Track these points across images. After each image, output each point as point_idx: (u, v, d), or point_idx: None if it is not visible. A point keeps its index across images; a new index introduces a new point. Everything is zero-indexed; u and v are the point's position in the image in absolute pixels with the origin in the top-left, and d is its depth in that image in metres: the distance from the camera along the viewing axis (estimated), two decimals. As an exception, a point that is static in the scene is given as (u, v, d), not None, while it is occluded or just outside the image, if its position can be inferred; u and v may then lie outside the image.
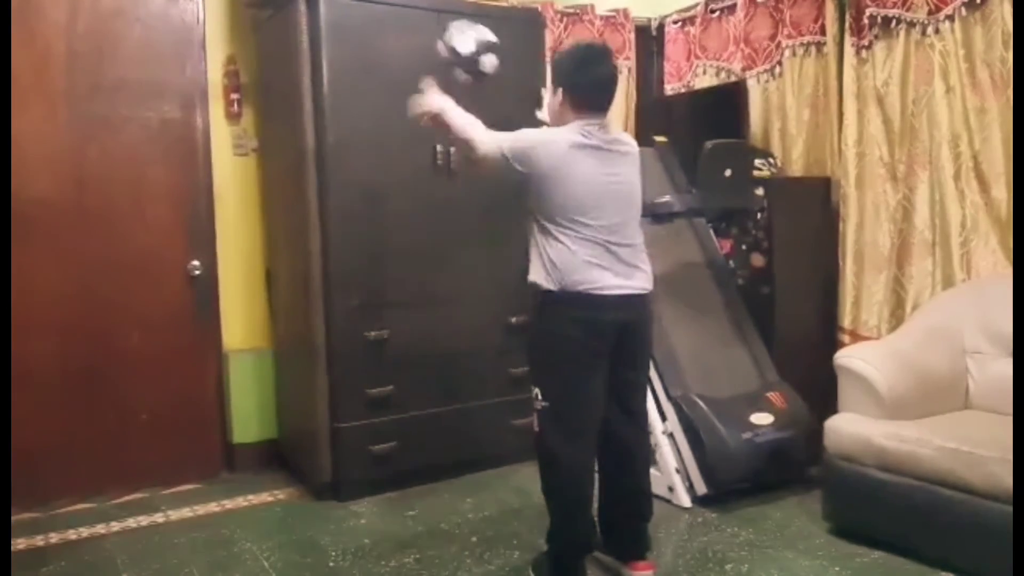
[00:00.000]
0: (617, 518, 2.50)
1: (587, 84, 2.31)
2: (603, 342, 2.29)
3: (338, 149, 3.09)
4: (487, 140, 2.34)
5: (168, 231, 3.43)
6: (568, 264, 2.25)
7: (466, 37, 2.50)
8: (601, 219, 2.26)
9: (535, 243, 2.33)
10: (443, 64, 2.53)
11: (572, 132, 2.29)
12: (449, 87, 2.52)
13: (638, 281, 2.34)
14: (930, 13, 3.16)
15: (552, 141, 2.27)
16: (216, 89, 3.53)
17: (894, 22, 3.26)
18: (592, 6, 4.27)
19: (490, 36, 2.53)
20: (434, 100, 2.46)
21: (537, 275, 2.31)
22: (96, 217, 3.28)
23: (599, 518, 2.50)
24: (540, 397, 2.32)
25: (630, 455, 2.47)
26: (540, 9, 4.04)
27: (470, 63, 2.51)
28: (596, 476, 2.44)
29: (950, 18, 3.09)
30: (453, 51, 2.50)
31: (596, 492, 2.45)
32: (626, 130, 4.33)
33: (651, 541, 2.55)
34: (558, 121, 2.37)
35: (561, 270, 2.25)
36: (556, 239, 2.26)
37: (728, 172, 3.19)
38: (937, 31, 3.14)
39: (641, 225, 2.42)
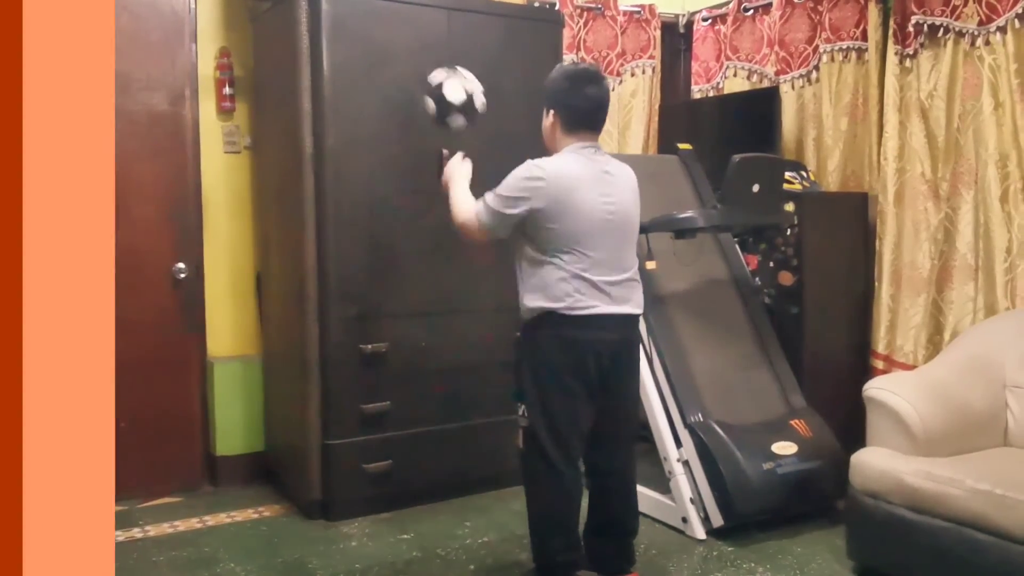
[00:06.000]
0: (603, 535, 2.68)
1: (580, 105, 2.49)
2: (587, 363, 2.46)
3: (338, 152, 3.18)
4: (463, 207, 2.60)
5: (153, 231, 3.53)
6: (555, 287, 2.44)
7: (453, 86, 2.76)
8: (594, 251, 2.45)
9: (522, 268, 2.54)
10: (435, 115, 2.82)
11: (569, 162, 2.47)
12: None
13: (626, 307, 2.53)
14: (980, 23, 3.24)
15: (549, 177, 2.43)
16: (207, 82, 3.62)
17: (941, 31, 3.34)
18: (614, 0, 4.32)
19: (472, 82, 2.78)
20: (448, 168, 2.78)
21: (524, 297, 2.52)
22: (76, 214, 3.39)
23: (584, 535, 2.67)
24: (523, 415, 2.54)
25: (619, 477, 2.66)
26: (558, 5, 4.12)
27: (465, 108, 2.79)
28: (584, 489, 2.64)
29: (1002, 29, 3.17)
30: (442, 102, 2.79)
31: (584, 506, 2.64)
32: (648, 135, 4.43)
33: (635, 555, 2.72)
34: (551, 143, 2.58)
35: (548, 292, 2.45)
36: (546, 264, 2.46)
37: (756, 188, 3.27)
38: (987, 43, 3.22)
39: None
